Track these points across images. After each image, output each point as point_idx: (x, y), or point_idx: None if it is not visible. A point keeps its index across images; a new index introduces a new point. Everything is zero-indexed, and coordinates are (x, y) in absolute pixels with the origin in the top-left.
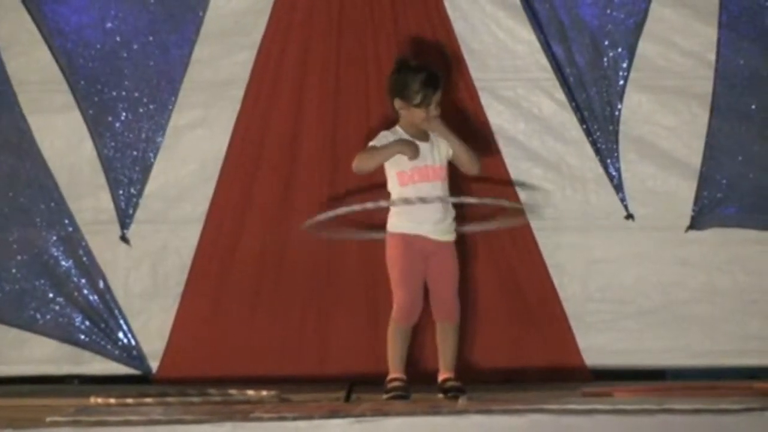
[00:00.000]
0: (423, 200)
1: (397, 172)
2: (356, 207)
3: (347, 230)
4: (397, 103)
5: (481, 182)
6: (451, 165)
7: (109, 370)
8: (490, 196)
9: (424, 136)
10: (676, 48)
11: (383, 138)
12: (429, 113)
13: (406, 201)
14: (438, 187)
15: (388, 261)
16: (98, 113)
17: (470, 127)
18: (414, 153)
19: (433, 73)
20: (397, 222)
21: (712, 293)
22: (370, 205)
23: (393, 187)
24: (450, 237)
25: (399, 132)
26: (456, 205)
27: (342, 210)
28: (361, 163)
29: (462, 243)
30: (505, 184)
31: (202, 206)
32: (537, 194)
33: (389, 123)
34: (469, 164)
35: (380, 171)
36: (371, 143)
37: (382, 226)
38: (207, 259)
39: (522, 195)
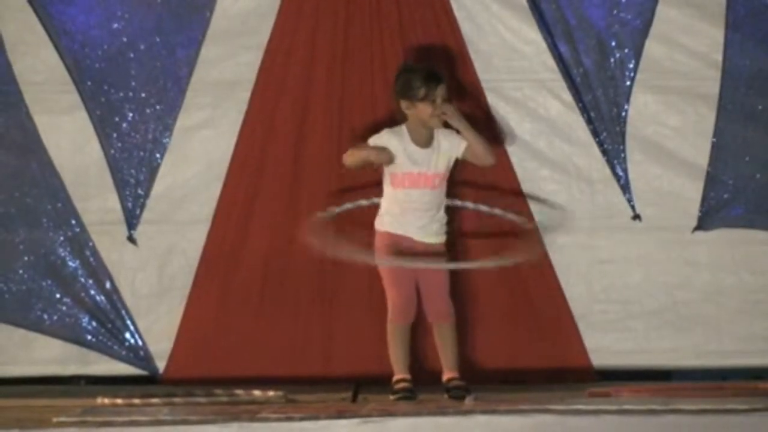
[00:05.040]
0: None
1: (390, 172)
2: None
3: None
4: (403, 103)
5: (489, 190)
6: (454, 170)
7: (115, 371)
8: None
9: (427, 142)
10: (683, 49)
11: (383, 135)
12: (435, 108)
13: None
14: (427, 194)
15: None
16: (105, 114)
17: (477, 128)
18: (381, 159)
19: (434, 70)
20: (384, 221)
21: (718, 294)
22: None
23: (386, 186)
24: (438, 240)
25: (402, 131)
26: (452, 215)
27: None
28: (345, 159)
29: (467, 243)
30: (516, 194)
31: (208, 207)
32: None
33: (394, 124)
34: (483, 155)
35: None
36: (369, 139)
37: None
38: (213, 259)
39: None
